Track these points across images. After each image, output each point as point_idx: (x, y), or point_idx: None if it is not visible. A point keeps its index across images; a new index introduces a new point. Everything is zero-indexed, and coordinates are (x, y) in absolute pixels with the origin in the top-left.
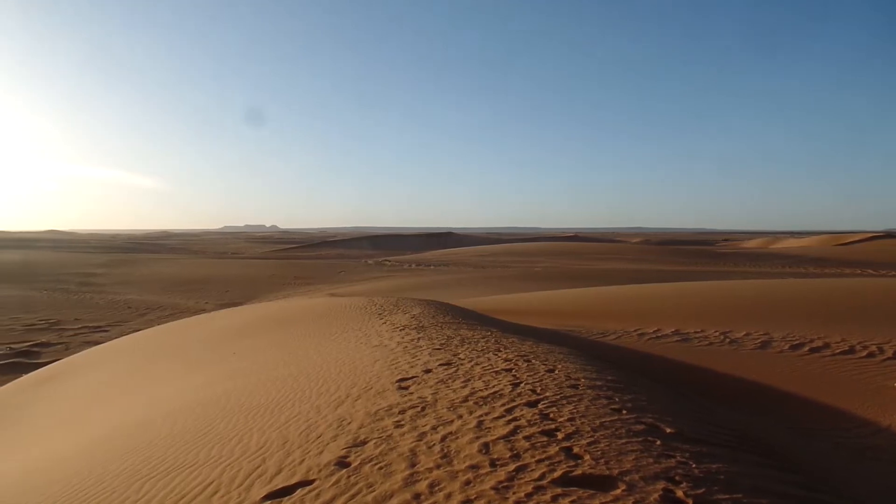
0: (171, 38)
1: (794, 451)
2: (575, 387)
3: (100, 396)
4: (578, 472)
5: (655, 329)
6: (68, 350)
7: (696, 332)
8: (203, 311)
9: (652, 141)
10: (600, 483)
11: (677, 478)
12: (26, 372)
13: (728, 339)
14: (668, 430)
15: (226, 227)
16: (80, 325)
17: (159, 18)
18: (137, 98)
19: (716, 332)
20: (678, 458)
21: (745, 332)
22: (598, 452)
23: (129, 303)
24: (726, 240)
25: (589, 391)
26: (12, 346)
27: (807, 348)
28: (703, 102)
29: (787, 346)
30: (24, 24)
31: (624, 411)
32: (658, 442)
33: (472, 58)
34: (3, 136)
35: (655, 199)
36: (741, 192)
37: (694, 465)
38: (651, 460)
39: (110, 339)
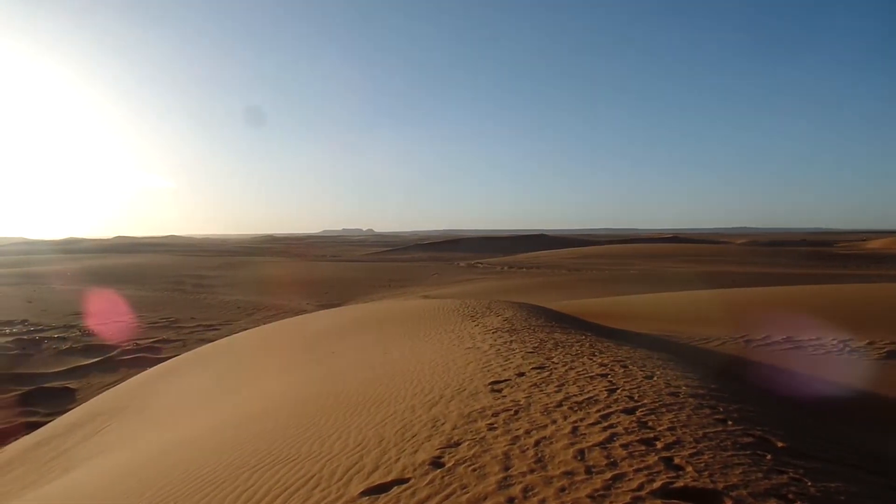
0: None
1: None
2: (675, 394)
3: (212, 390)
4: (680, 483)
5: (764, 336)
6: (185, 346)
7: (810, 340)
8: (304, 311)
9: (758, 131)
10: (704, 497)
11: (790, 496)
12: (150, 366)
13: (848, 348)
14: (780, 444)
15: (325, 230)
16: (195, 324)
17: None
18: (224, 110)
19: (834, 339)
20: (791, 474)
21: (867, 341)
22: (702, 464)
23: (237, 303)
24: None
25: (690, 399)
26: (138, 342)
27: None
28: (819, 90)
29: None
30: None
31: (729, 422)
32: (768, 456)
33: (565, 52)
34: (95, 146)
35: (763, 196)
36: (862, 187)
37: (809, 483)
38: (760, 475)
39: (221, 336)
